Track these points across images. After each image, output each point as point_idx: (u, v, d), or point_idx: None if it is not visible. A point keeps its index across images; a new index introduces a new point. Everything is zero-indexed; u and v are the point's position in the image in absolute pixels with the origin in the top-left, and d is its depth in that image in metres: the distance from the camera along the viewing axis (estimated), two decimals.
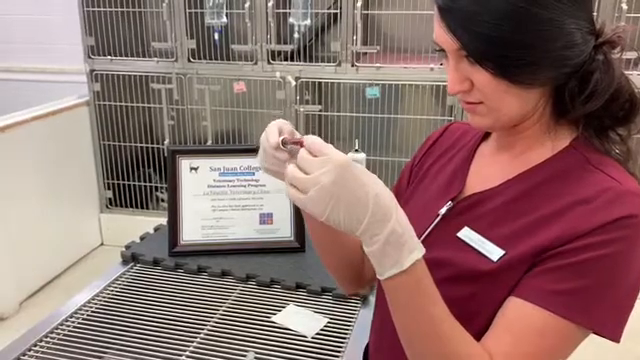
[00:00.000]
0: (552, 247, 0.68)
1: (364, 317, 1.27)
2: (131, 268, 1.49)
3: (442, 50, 0.72)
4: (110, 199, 3.45)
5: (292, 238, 1.58)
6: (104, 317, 1.28)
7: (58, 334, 1.21)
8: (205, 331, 1.23)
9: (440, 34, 0.70)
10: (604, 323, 0.68)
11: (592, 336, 0.70)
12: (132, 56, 3.20)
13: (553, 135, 0.76)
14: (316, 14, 3.02)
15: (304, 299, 1.36)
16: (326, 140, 0.65)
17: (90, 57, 3.17)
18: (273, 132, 0.77)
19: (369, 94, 2.88)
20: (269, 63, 2.97)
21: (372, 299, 1.30)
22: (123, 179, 3.43)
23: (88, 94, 3.24)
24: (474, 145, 0.87)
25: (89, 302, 1.33)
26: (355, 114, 3.14)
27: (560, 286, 0.67)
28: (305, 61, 2.96)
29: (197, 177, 1.57)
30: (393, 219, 0.63)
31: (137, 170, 3.45)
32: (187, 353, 1.15)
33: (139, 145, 3.39)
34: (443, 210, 0.82)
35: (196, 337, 1.20)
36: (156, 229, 1.69)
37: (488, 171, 0.82)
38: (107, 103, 3.27)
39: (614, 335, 0.68)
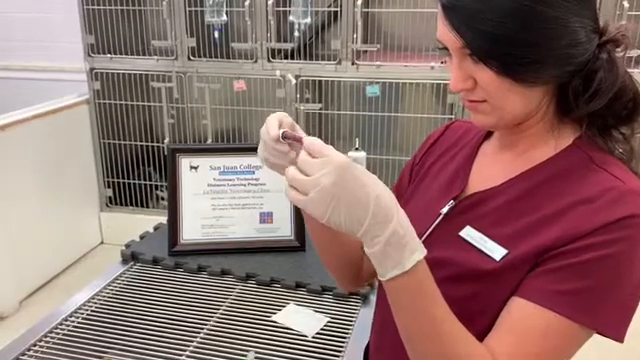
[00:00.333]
0: (554, 247, 0.68)
1: (365, 316, 1.27)
2: (131, 267, 1.49)
3: (445, 48, 0.72)
4: (110, 198, 3.45)
5: (292, 237, 1.57)
6: (104, 316, 1.28)
7: (58, 333, 1.21)
8: (205, 330, 1.22)
9: (444, 32, 0.70)
10: (608, 323, 0.67)
11: (595, 335, 0.69)
12: (132, 54, 3.20)
13: (556, 134, 0.75)
14: (316, 12, 3.02)
15: (304, 298, 1.36)
16: (326, 139, 0.65)
17: (90, 55, 3.17)
18: (273, 124, 0.77)
19: (369, 92, 2.88)
20: (269, 61, 2.96)
21: (373, 298, 1.29)
22: (123, 177, 3.42)
23: (88, 92, 3.24)
24: (476, 144, 0.87)
25: (89, 301, 1.33)
26: (355, 112, 3.14)
27: (563, 286, 0.67)
28: (305, 59, 2.96)
29: (197, 176, 1.56)
30: (394, 220, 0.63)
31: (137, 169, 3.45)
32: (187, 352, 1.15)
33: (139, 143, 3.39)
34: (445, 209, 0.81)
35: (196, 336, 1.20)
36: (156, 228, 1.69)
37: (490, 170, 0.81)
38: (107, 101, 3.27)
39: (618, 335, 0.68)
